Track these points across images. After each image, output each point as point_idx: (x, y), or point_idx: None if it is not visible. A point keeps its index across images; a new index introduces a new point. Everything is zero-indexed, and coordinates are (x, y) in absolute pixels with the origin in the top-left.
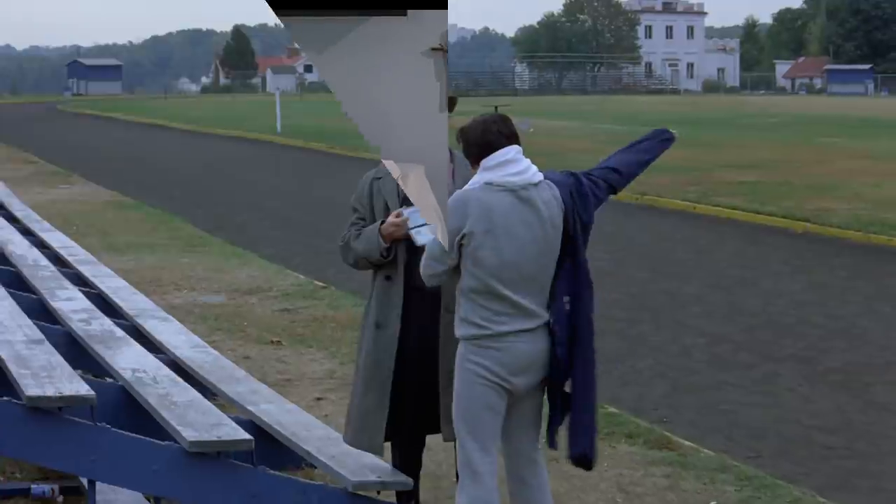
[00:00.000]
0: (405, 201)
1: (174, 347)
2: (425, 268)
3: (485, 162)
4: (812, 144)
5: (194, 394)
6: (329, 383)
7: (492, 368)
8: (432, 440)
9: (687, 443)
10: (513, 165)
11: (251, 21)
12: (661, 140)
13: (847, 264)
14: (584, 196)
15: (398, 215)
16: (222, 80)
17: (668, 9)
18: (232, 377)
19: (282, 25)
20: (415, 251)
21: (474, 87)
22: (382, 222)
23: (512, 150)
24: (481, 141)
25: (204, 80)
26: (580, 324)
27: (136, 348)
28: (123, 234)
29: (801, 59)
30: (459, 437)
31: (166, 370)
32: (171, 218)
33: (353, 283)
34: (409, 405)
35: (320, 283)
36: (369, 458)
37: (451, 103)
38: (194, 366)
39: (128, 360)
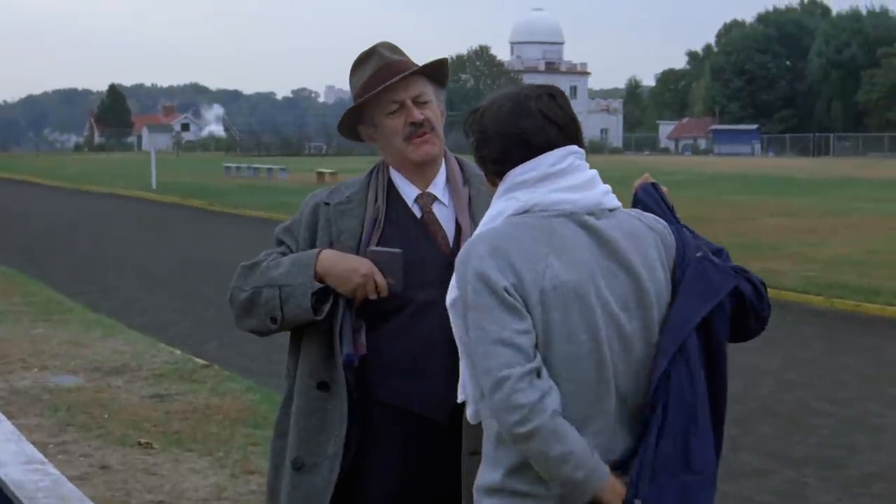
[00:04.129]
0: (389, 244)
1: None
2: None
3: (518, 173)
4: (723, 201)
5: None
6: None
7: None
8: None
9: None
10: (571, 175)
11: (127, 81)
12: None
13: (820, 335)
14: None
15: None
16: (97, 138)
17: (550, 69)
18: None
19: (158, 84)
20: (383, 320)
21: (355, 146)
22: (323, 249)
23: (570, 153)
24: (512, 131)
25: (75, 138)
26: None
27: None
28: None
29: (685, 120)
30: None
31: None
32: (27, 281)
33: (244, 359)
34: None
35: (201, 361)
36: None
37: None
38: (23, 497)
39: None
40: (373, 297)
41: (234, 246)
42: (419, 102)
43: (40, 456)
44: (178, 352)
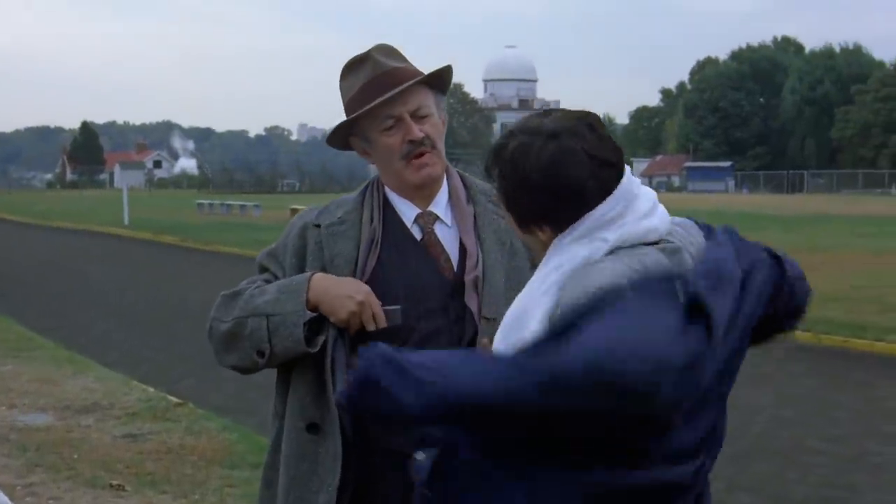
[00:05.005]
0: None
1: None
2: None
3: (602, 212)
4: None
5: None
6: None
7: None
8: None
9: None
10: (643, 199)
11: (100, 118)
12: None
13: (810, 371)
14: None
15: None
16: (69, 176)
17: (524, 106)
18: None
19: (131, 122)
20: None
21: (329, 183)
22: (315, 273)
23: (648, 193)
24: (561, 182)
25: (48, 176)
26: None
27: None
28: None
29: (658, 157)
30: None
31: None
32: None
33: (219, 397)
34: None
35: (175, 399)
36: None
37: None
38: None
39: None
40: (370, 328)
41: (207, 282)
42: (419, 116)
43: (6, 499)
44: (152, 389)
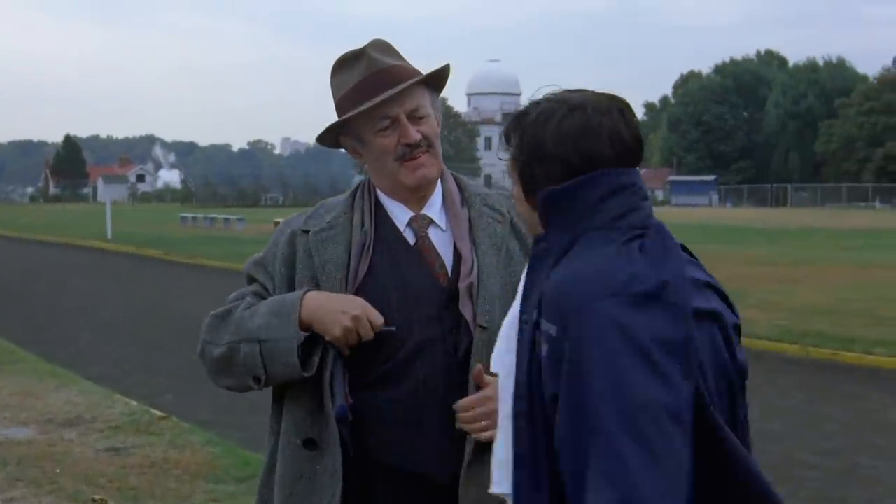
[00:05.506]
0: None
1: None
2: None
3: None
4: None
5: None
6: None
7: None
8: None
9: None
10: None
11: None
12: None
13: (798, 384)
14: None
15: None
16: (52, 189)
17: (507, 120)
18: None
19: (114, 136)
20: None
21: (312, 196)
22: (308, 291)
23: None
24: (574, 151)
25: (31, 190)
26: None
27: None
28: None
29: (642, 171)
30: None
31: None
32: None
33: (204, 411)
34: None
35: (159, 413)
36: None
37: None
38: None
39: None
40: (368, 337)
41: (191, 295)
42: (416, 117)
43: None
44: (135, 403)
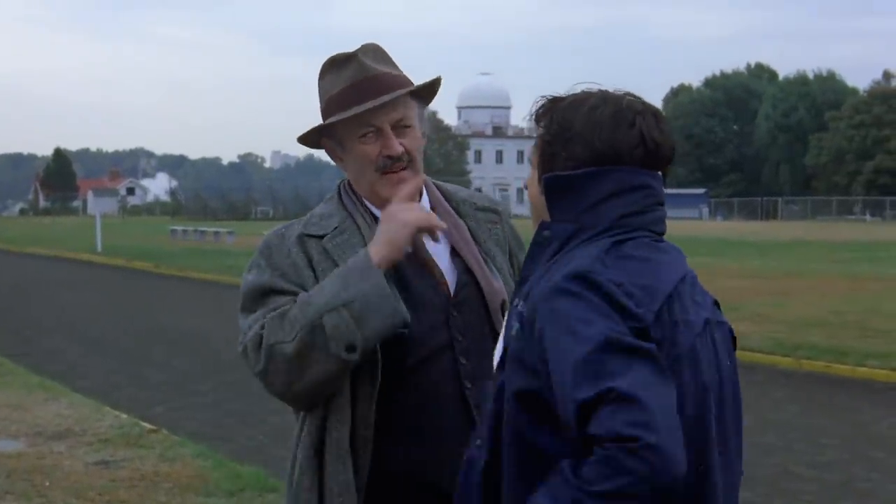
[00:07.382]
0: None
1: None
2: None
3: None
4: None
5: None
6: None
7: None
8: None
9: None
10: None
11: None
12: None
13: (792, 397)
14: None
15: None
16: (42, 202)
17: (498, 133)
18: None
19: (104, 149)
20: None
21: (302, 210)
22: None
23: None
24: (602, 139)
25: (21, 204)
26: None
27: None
28: None
29: None
30: None
31: None
32: None
33: (194, 423)
34: None
35: (148, 426)
36: None
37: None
38: None
39: None
40: (442, 226)
41: (181, 308)
42: (400, 127)
43: None
44: (125, 416)
